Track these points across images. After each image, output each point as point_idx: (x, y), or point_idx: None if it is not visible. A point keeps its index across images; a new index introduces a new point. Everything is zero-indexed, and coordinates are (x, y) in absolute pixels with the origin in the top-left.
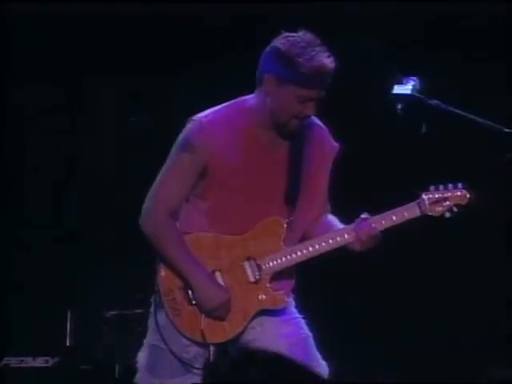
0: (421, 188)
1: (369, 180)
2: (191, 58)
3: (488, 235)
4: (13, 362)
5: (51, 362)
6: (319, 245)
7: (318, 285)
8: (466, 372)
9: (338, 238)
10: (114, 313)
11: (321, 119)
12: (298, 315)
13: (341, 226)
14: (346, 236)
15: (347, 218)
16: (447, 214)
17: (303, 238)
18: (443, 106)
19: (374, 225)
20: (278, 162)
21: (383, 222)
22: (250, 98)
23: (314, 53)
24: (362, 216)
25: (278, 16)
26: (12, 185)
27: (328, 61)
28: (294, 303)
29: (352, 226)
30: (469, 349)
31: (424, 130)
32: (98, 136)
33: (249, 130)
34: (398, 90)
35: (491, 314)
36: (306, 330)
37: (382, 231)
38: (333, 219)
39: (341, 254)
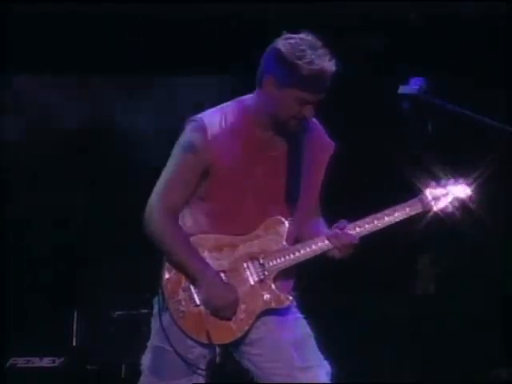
0: (423, 185)
1: (373, 178)
2: (191, 58)
3: (488, 233)
4: (19, 361)
5: (58, 361)
6: (323, 242)
7: (318, 284)
8: (468, 372)
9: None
10: (120, 313)
11: (322, 118)
12: (299, 315)
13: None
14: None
15: (348, 216)
16: (449, 209)
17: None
18: (449, 105)
19: (351, 232)
20: (277, 161)
21: (366, 225)
22: (249, 98)
23: (314, 56)
24: (340, 224)
25: (278, 16)
26: (13, 184)
27: (329, 64)
28: (295, 302)
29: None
30: (470, 348)
31: (430, 129)
32: (101, 136)
33: (248, 129)
34: (404, 89)
35: (491, 313)
36: (308, 330)
37: (378, 231)
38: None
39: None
